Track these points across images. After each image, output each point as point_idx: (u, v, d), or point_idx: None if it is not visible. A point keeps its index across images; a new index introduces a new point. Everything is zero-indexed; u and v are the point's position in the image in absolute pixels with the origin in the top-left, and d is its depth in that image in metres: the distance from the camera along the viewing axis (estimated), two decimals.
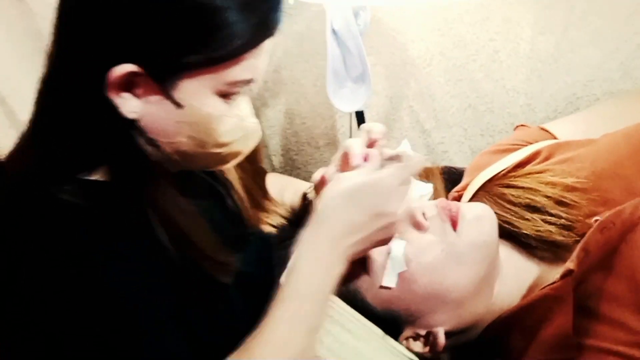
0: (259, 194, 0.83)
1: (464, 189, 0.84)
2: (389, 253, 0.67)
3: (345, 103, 1.00)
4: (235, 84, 0.56)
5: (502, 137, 1.08)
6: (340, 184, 0.60)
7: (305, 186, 0.93)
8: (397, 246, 0.67)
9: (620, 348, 0.58)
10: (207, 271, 0.61)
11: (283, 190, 0.91)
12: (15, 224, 0.55)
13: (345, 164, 0.68)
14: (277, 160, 1.26)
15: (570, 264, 0.62)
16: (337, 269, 0.59)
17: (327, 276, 0.58)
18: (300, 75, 1.14)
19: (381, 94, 1.13)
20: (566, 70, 0.99)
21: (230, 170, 0.75)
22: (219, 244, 0.64)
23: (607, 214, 0.64)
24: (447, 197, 0.88)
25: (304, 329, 0.56)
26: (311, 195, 0.89)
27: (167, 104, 0.55)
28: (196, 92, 0.55)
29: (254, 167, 0.80)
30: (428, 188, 0.93)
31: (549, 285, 0.63)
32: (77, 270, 0.53)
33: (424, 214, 0.68)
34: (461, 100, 1.09)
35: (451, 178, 0.96)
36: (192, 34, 0.52)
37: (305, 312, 0.57)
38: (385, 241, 0.61)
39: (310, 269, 0.58)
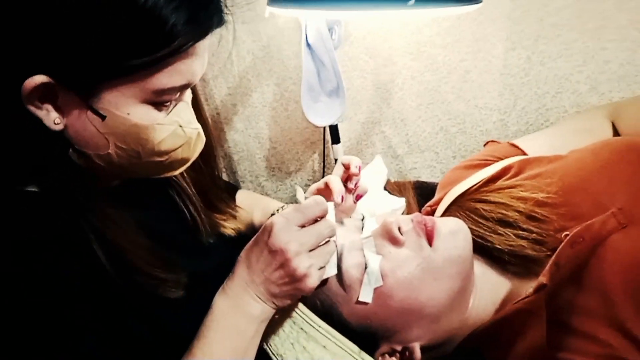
0: (215, 197, 0.82)
1: (437, 203, 0.85)
2: (365, 268, 0.67)
3: (320, 117, 1.00)
4: (164, 91, 0.54)
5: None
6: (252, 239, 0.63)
7: (275, 205, 0.92)
8: (373, 261, 0.67)
9: None
10: (149, 288, 0.60)
11: (253, 206, 0.90)
12: None
13: (325, 191, 0.71)
14: (246, 186, 1.23)
15: (542, 279, 0.62)
16: (253, 309, 0.60)
17: (241, 314, 0.60)
18: (272, 99, 1.12)
19: (353, 119, 1.13)
20: (536, 82, 1.01)
21: (183, 174, 0.73)
22: (162, 260, 0.62)
23: (577, 228, 0.66)
24: (420, 212, 0.88)
25: None
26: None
27: (89, 115, 0.53)
28: (119, 102, 0.53)
29: (209, 168, 0.79)
30: (401, 202, 0.94)
31: (522, 299, 0.64)
32: (9, 286, 0.51)
33: (399, 229, 0.69)
34: (433, 123, 1.10)
35: (423, 193, 0.97)
36: (100, 44, 0.50)
37: (219, 349, 0.59)
38: (298, 285, 0.60)
39: (223, 309, 0.61)
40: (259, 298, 0.60)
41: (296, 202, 0.73)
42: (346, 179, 0.74)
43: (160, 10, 0.50)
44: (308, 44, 0.94)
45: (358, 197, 0.75)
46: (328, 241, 0.63)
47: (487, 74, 1.03)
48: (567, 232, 0.66)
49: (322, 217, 0.63)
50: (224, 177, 1.22)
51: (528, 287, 0.65)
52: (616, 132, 0.86)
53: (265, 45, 1.06)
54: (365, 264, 0.67)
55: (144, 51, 0.51)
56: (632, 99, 0.94)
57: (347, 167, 0.73)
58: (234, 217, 0.85)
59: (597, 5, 0.93)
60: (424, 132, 1.11)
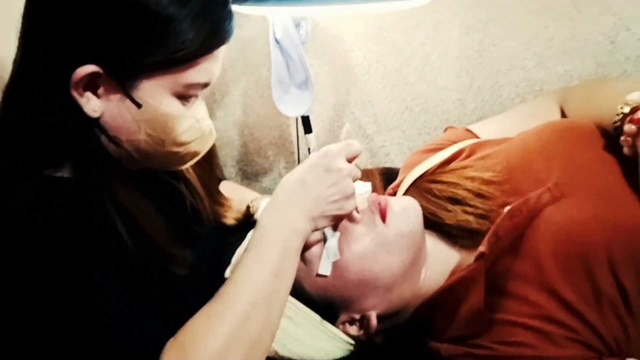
0: (216, 191, 0.89)
1: (398, 186, 0.91)
2: (324, 243, 0.73)
3: (291, 108, 1.05)
4: (192, 86, 0.62)
5: (438, 133, 1.16)
6: (298, 165, 0.69)
7: (250, 196, 0.98)
8: (331, 237, 0.73)
9: (524, 320, 0.65)
10: (162, 263, 0.66)
11: (233, 196, 0.96)
12: None
13: None
14: (227, 171, 1.29)
15: (482, 248, 0.68)
16: (298, 224, 0.66)
17: (286, 229, 0.65)
18: (247, 87, 1.18)
19: (324, 102, 1.19)
20: (489, 62, 1.08)
21: (189, 169, 0.79)
22: (174, 239, 0.68)
23: (516, 202, 0.71)
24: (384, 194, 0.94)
25: (269, 273, 0.62)
26: (255, 206, 0.95)
27: (127, 103, 0.60)
28: (155, 92, 0.60)
29: (210, 165, 0.85)
30: (367, 187, 1.00)
31: (465, 268, 0.70)
32: (39, 265, 0.56)
33: (356, 208, 0.74)
34: (398, 103, 1.16)
35: (389, 178, 1.03)
36: (147, 38, 0.58)
37: (268, 258, 0.63)
38: (343, 204, 0.67)
39: (270, 223, 0.65)
40: (306, 215, 0.66)
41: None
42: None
43: (208, 12, 0.60)
44: (276, 39, 0.99)
45: None
46: None
47: (445, 57, 1.09)
48: (508, 207, 0.72)
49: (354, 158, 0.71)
50: None
51: (473, 258, 0.71)
52: (564, 116, 0.91)
53: (238, 35, 1.12)
54: (325, 240, 0.73)
55: (182, 48, 0.58)
56: (578, 86, 1.00)
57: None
58: (230, 207, 0.91)
59: None
60: (391, 112, 1.17)
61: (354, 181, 0.70)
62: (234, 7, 0.89)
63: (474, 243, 0.75)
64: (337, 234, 0.73)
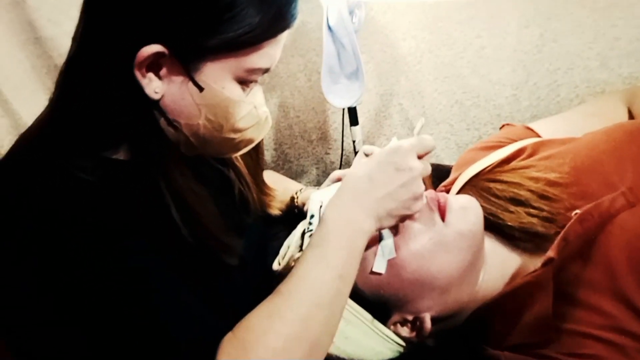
0: (261, 180, 0.87)
1: (452, 183, 0.87)
2: (380, 240, 0.70)
3: (339, 99, 1.03)
4: (254, 71, 0.60)
5: (488, 129, 1.13)
6: (366, 160, 0.65)
7: (294, 187, 0.96)
8: (387, 234, 0.70)
9: (596, 331, 0.61)
10: (214, 251, 0.64)
11: (274, 185, 0.94)
12: (33, 201, 0.56)
13: None
14: (269, 153, 1.29)
15: (551, 253, 0.65)
16: (364, 224, 0.62)
17: (352, 229, 0.62)
18: (296, 70, 1.17)
19: (372, 91, 1.16)
20: (548, 58, 1.03)
21: (238, 157, 0.78)
22: (226, 227, 0.67)
23: (586, 206, 0.68)
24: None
25: (333, 274, 0.60)
26: (300, 198, 0.93)
27: (189, 86, 0.58)
28: (217, 76, 0.58)
29: (257, 154, 0.84)
30: None
31: (530, 273, 0.67)
32: (94, 247, 0.55)
33: None
34: (448, 96, 1.12)
35: (439, 175, 1.00)
36: (213, 20, 0.56)
37: (333, 258, 0.60)
38: (410, 204, 0.64)
39: (336, 222, 0.62)
40: (372, 214, 0.63)
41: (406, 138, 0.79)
42: None
43: (273, 1, 0.58)
44: (329, 27, 0.96)
45: None
46: None
47: (501, 50, 1.05)
48: (577, 210, 0.68)
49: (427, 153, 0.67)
50: None
51: (537, 262, 0.67)
52: (631, 118, 0.87)
53: None
54: (380, 237, 0.70)
55: (248, 31, 0.57)
56: None
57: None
58: (276, 197, 0.90)
59: None
60: (440, 105, 1.14)
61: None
62: None
63: (537, 247, 0.72)
64: (393, 230, 0.70)
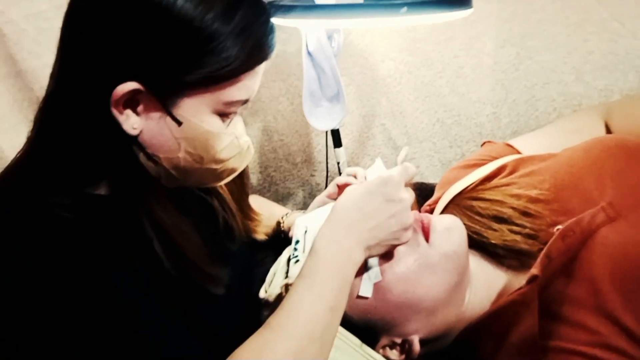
0: (247, 206, 0.87)
1: (436, 202, 0.88)
2: (365, 264, 0.70)
3: (322, 122, 1.03)
4: (232, 103, 0.60)
5: (470, 146, 1.13)
6: (355, 188, 0.66)
7: (280, 211, 0.96)
8: (373, 257, 0.70)
9: (582, 348, 0.61)
10: (199, 282, 0.63)
11: (259, 210, 0.94)
12: (11, 238, 0.56)
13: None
14: (255, 177, 1.28)
15: (534, 270, 0.65)
16: (355, 254, 0.63)
17: (343, 259, 0.62)
18: (278, 94, 1.17)
19: (354, 112, 1.17)
20: (525, 76, 1.05)
21: (222, 185, 0.77)
22: (210, 257, 0.66)
23: (568, 222, 0.68)
24: (419, 211, 0.91)
25: (324, 306, 0.59)
26: (286, 223, 0.93)
27: (168, 121, 0.58)
28: (196, 110, 0.58)
29: (242, 180, 0.83)
30: None
31: (515, 291, 0.67)
32: (75, 286, 0.54)
33: None
34: (430, 115, 1.14)
35: (423, 193, 1.00)
36: (190, 56, 0.56)
37: (324, 290, 0.60)
38: (400, 235, 0.65)
39: (327, 252, 0.62)
40: (361, 244, 0.63)
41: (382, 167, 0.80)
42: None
43: (250, 33, 0.58)
44: (309, 52, 0.97)
45: None
46: None
47: (479, 70, 1.07)
48: (559, 226, 0.69)
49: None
50: None
51: (522, 280, 0.67)
52: (609, 132, 0.88)
53: None
54: (366, 260, 0.70)
55: (225, 65, 0.57)
56: (622, 100, 0.97)
57: (340, 187, 0.78)
58: (262, 222, 0.90)
59: (579, 1, 0.97)
60: (422, 124, 1.15)
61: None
62: None
63: (522, 264, 0.72)
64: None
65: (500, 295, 0.72)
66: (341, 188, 0.80)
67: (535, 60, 1.03)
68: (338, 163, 1.13)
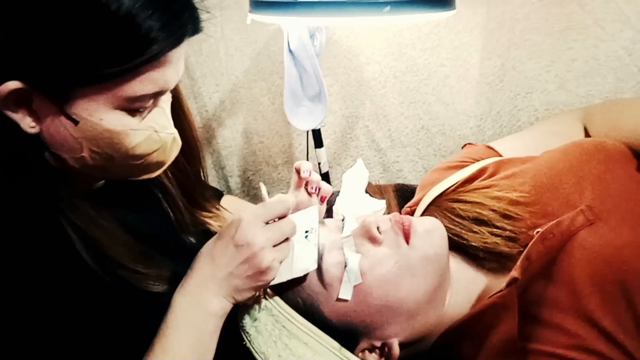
0: (200, 195, 0.83)
1: (416, 204, 0.87)
2: (345, 266, 0.69)
3: (303, 122, 1.02)
4: (137, 98, 0.56)
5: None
6: (217, 235, 0.64)
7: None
8: (352, 259, 0.69)
9: (561, 351, 0.61)
10: (131, 281, 0.62)
11: (237, 211, 0.92)
12: None
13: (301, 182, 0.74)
14: (234, 181, 1.26)
15: (514, 273, 0.65)
16: (213, 305, 0.61)
17: (201, 312, 0.61)
18: (259, 94, 1.15)
19: (337, 113, 1.16)
20: (509, 86, 1.06)
21: (168, 175, 0.75)
22: (141, 255, 0.64)
23: (547, 225, 0.68)
24: (400, 213, 0.91)
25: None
26: None
27: (63, 120, 0.55)
28: (92, 108, 0.55)
29: (193, 168, 0.80)
30: (381, 204, 0.96)
31: (495, 293, 0.66)
32: None
33: (378, 228, 0.71)
34: (414, 121, 1.13)
35: (404, 195, 1.00)
36: (68, 55, 0.52)
37: (180, 347, 0.60)
38: (259, 277, 0.62)
39: (182, 306, 0.61)
40: (219, 294, 0.62)
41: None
42: (305, 184, 0.76)
43: (134, 19, 0.51)
44: (290, 50, 0.96)
45: (322, 199, 0.77)
46: (288, 238, 0.66)
47: (464, 81, 1.07)
48: (539, 229, 0.69)
49: (285, 215, 0.65)
50: (213, 172, 1.25)
51: (502, 283, 0.67)
52: (588, 135, 0.89)
53: (252, 42, 1.10)
54: (345, 263, 0.69)
55: (117, 59, 0.52)
56: (601, 104, 0.98)
57: (297, 172, 0.75)
58: (219, 216, 0.87)
59: (562, 9, 0.98)
60: (406, 129, 1.15)
61: (292, 235, 0.66)
62: (250, 15, 0.86)
63: (502, 267, 0.72)
64: (358, 255, 0.69)
65: (480, 297, 0.72)
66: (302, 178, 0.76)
67: (518, 70, 1.04)
68: (319, 164, 1.12)
